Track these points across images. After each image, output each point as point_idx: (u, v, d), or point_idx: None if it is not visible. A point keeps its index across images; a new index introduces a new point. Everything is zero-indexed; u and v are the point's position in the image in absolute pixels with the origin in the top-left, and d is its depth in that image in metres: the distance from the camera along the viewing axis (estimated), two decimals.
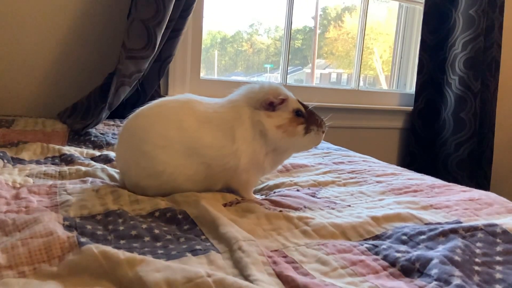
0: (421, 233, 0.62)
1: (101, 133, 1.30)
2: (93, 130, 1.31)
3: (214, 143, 0.75)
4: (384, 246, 0.59)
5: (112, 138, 1.24)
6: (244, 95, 0.80)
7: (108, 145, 1.17)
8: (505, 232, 0.61)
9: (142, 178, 0.75)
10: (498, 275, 0.52)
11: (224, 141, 0.75)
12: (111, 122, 1.47)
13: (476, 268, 0.53)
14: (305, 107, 0.81)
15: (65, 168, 0.90)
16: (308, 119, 0.80)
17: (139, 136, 0.75)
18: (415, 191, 0.84)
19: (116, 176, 0.86)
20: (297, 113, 0.79)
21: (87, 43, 1.56)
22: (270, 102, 0.77)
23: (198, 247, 0.55)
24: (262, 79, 2.19)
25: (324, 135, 0.82)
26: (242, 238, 0.56)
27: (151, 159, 0.73)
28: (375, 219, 0.67)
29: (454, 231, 0.61)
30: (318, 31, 2.30)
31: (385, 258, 0.56)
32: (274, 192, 0.86)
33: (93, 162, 0.97)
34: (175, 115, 0.76)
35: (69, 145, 1.13)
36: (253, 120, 0.77)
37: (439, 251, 0.55)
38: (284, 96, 0.79)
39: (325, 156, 1.17)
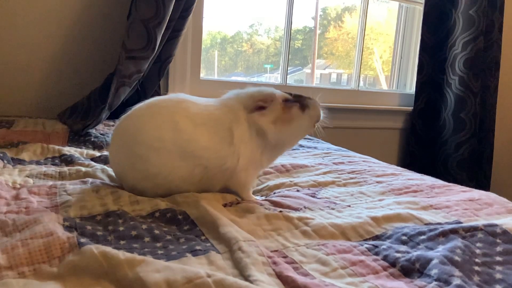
0: (421, 233, 0.62)
1: (101, 134, 1.30)
2: (93, 131, 1.31)
3: (211, 145, 0.74)
4: (384, 247, 0.59)
5: None
6: (237, 98, 0.80)
7: (108, 145, 1.17)
8: (505, 232, 0.61)
9: (138, 181, 0.74)
10: (498, 275, 0.52)
11: (222, 142, 0.75)
12: (111, 123, 1.47)
13: (476, 268, 0.53)
14: (291, 95, 0.82)
15: (65, 169, 0.90)
16: (299, 100, 0.81)
17: (132, 138, 0.74)
18: (415, 191, 0.84)
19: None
20: (286, 101, 0.80)
21: (87, 44, 1.56)
22: (260, 107, 0.78)
23: (198, 247, 0.55)
24: (262, 80, 2.19)
25: (321, 109, 0.83)
26: (242, 239, 0.56)
27: (145, 161, 0.73)
28: (375, 219, 0.67)
29: (454, 231, 0.61)
30: (318, 31, 2.30)
31: (385, 258, 0.56)
32: (274, 193, 0.86)
33: (93, 163, 0.97)
34: (169, 116, 0.75)
35: (69, 146, 1.13)
36: (249, 121, 0.77)
37: (439, 251, 0.55)
38: (271, 97, 0.79)
39: (325, 157, 1.17)
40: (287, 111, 0.79)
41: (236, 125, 0.76)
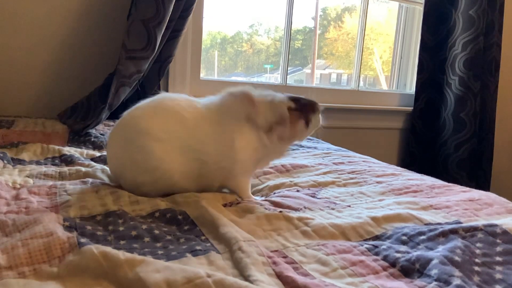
0: (421, 233, 0.62)
1: (101, 134, 1.30)
2: (93, 131, 1.31)
3: (210, 141, 0.75)
4: (384, 247, 0.59)
5: None
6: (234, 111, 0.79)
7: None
8: (505, 232, 0.61)
9: (137, 175, 0.75)
10: (498, 276, 0.52)
11: (220, 140, 0.76)
12: (111, 123, 1.47)
13: (476, 268, 0.53)
14: (293, 98, 0.80)
15: (65, 169, 0.90)
16: (302, 110, 0.80)
17: (135, 131, 0.75)
18: (415, 191, 0.84)
19: None
20: (290, 109, 0.78)
21: (87, 44, 1.56)
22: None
23: (198, 247, 0.55)
24: (262, 80, 2.19)
25: (320, 115, 0.82)
26: (242, 239, 0.56)
27: (146, 153, 0.74)
28: (375, 219, 0.67)
29: (454, 231, 0.61)
30: (318, 32, 2.30)
31: (385, 258, 0.56)
32: (274, 193, 0.86)
33: (93, 163, 0.97)
34: (172, 111, 0.76)
35: (69, 146, 1.13)
36: (251, 127, 0.77)
37: (439, 252, 0.55)
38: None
39: (325, 157, 1.17)
40: (293, 126, 0.79)
41: (235, 127, 0.77)
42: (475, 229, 0.62)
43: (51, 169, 0.89)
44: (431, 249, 0.58)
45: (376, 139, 2.24)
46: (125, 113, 0.80)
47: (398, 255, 0.56)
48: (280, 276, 0.49)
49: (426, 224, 0.66)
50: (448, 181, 0.93)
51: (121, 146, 0.77)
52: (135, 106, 0.80)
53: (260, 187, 0.92)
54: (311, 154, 1.20)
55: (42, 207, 0.66)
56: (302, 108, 0.80)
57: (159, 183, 0.75)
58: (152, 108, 0.78)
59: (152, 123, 0.75)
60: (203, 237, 0.60)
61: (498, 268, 0.54)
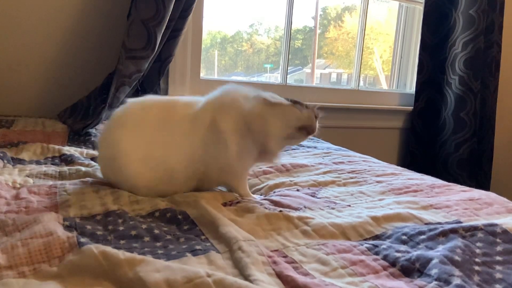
0: (421, 233, 0.62)
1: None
2: (93, 130, 1.31)
3: (204, 144, 0.76)
4: (384, 246, 0.59)
5: None
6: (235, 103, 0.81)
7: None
8: (505, 232, 0.61)
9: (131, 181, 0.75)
10: (498, 275, 0.52)
11: (215, 140, 0.76)
12: None
13: (476, 268, 0.53)
14: (293, 101, 0.80)
15: (65, 169, 0.90)
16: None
17: (115, 151, 0.75)
18: (415, 191, 0.84)
19: None
20: None
21: (87, 43, 1.56)
22: None
23: (198, 247, 0.55)
24: (262, 79, 2.19)
25: (317, 120, 0.80)
26: (242, 238, 0.56)
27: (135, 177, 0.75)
28: (375, 219, 0.67)
29: (454, 231, 0.61)
30: (318, 31, 2.30)
31: (385, 258, 0.56)
32: (274, 192, 0.86)
33: (93, 163, 0.97)
34: (157, 128, 0.76)
35: (69, 145, 1.13)
36: (245, 120, 0.77)
37: (439, 251, 0.55)
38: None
39: (325, 156, 1.17)
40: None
41: (225, 123, 0.77)
42: (475, 228, 0.62)
43: (51, 169, 0.89)
44: (431, 248, 0.58)
45: (376, 139, 2.24)
46: (113, 115, 0.80)
47: (398, 254, 0.56)
48: (280, 276, 0.49)
49: (426, 224, 0.66)
50: (448, 181, 0.93)
51: (108, 153, 0.77)
52: (121, 110, 0.80)
53: (260, 186, 0.92)
54: (311, 154, 1.20)
55: (42, 206, 0.66)
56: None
57: (158, 187, 0.76)
58: (129, 128, 0.76)
59: (129, 149, 0.74)
60: (203, 237, 0.60)
61: (498, 267, 0.54)
